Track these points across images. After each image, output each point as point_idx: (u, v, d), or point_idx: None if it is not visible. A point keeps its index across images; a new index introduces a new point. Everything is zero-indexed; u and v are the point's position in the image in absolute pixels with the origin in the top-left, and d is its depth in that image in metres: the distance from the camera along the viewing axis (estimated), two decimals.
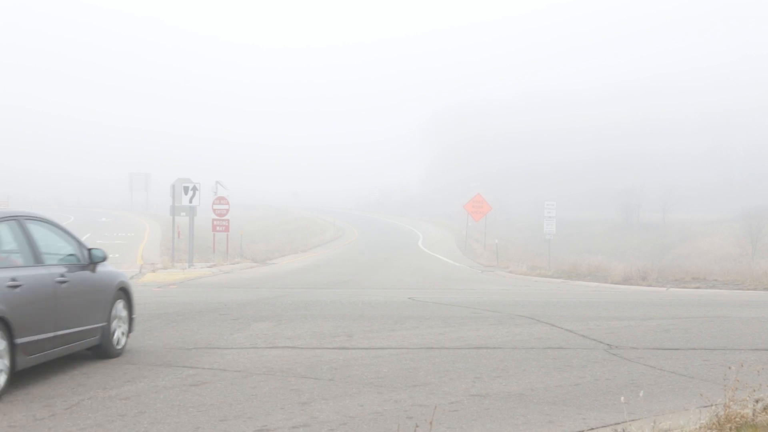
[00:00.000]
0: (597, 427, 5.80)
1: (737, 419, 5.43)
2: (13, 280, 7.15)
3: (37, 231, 8.19)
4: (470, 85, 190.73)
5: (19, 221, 7.96)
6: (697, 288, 24.17)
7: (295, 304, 14.41)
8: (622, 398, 6.25)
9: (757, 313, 13.78)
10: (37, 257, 7.84)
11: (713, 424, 5.42)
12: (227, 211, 38.04)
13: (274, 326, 10.88)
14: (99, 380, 7.20)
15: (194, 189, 34.42)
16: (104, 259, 8.92)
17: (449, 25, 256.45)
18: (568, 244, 67.01)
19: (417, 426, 5.47)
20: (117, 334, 8.84)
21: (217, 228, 38.27)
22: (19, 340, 6.91)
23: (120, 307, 9.05)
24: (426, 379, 7.33)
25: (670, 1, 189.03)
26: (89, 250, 8.78)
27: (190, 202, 34.35)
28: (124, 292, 9.20)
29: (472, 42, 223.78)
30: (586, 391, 6.98)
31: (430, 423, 5.36)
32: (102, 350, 8.63)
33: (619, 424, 5.64)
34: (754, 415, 5.58)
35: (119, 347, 8.81)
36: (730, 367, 7.34)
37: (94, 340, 8.43)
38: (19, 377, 7.22)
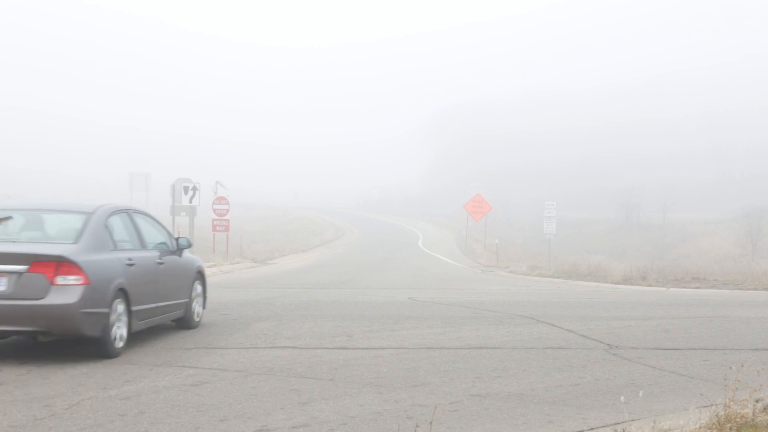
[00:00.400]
0: (597, 427, 5.80)
1: (737, 419, 5.43)
2: (129, 260, 9.21)
3: (140, 221, 10.23)
4: (470, 85, 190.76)
5: (128, 213, 10.11)
6: (697, 288, 24.17)
7: (295, 304, 14.41)
8: (622, 398, 6.25)
9: (757, 313, 13.78)
10: (142, 243, 9.91)
11: (713, 424, 5.42)
12: (227, 211, 38.04)
13: (274, 326, 10.88)
14: (99, 380, 7.20)
15: (194, 189, 34.41)
16: (189, 246, 10.92)
17: (449, 25, 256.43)
18: (568, 244, 67.00)
19: (417, 426, 5.47)
20: (196, 309, 11.00)
21: (217, 228, 38.27)
22: (134, 308, 9.02)
23: (198, 286, 11.20)
24: (426, 379, 7.33)
25: (669, 1, 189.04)
26: (177, 239, 10.80)
27: (190, 202, 34.35)
28: (200, 275, 11.44)
29: (471, 42, 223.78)
30: (586, 391, 6.98)
31: (431, 423, 5.36)
32: (185, 322, 10.65)
33: (619, 424, 5.64)
34: (754, 415, 5.58)
35: (197, 320, 10.96)
36: (731, 367, 7.34)
37: (180, 312, 10.48)
38: (19, 377, 7.23)
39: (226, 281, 25.10)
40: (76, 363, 7.96)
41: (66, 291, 8.24)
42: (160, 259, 9.98)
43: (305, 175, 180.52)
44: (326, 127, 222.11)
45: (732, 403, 5.59)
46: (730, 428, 5.36)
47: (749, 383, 6.42)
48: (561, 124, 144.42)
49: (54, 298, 8.18)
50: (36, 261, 8.29)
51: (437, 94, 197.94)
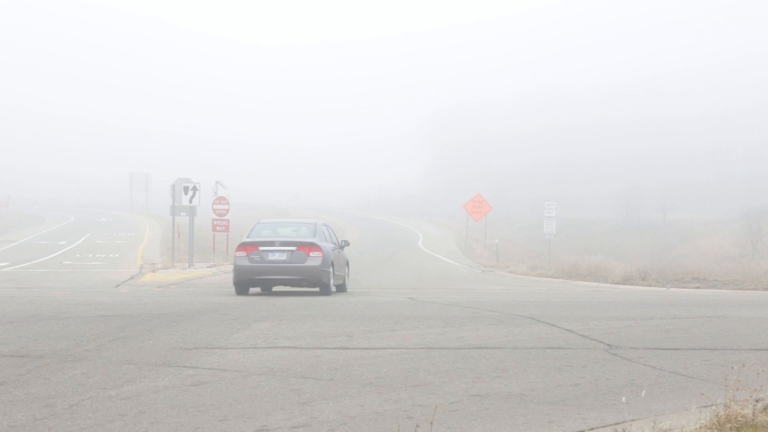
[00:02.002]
0: (597, 427, 5.79)
1: (738, 419, 5.43)
2: (332, 247, 18.51)
3: (329, 229, 19.88)
4: (470, 85, 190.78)
5: (326, 225, 19.63)
6: (697, 288, 24.18)
7: (295, 304, 14.41)
8: (623, 398, 6.24)
9: (757, 313, 13.79)
10: (332, 240, 19.24)
11: (713, 424, 5.42)
12: (227, 211, 38.00)
13: (274, 326, 10.88)
14: (99, 380, 7.20)
15: (194, 189, 34.38)
16: (347, 245, 20.93)
17: (449, 24, 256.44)
18: (568, 244, 67.04)
19: (417, 426, 5.46)
20: (346, 282, 20.03)
21: (217, 228, 38.25)
22: (335, 272, 18.18)
23: (347, 269, 20.35)
24: (426, 379, 7.33)
25: (669, 1, 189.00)
26: (342, 241, 20.75)
27: (190, 202, 34.32)
28: (348, 263, 20.77)
29: (471, 41, 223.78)
30: (586, 391, 6.98)
31: (431, 423, 5.36)
32: (342, 288, 19.38)
33: (619, 424, 5.64)
34: (754, 415, 5.58)
35: (347, 288, 20.03)
36: (731, 367, 7.33)
37: (341, 281, 19.26)
38: (19, 377, 7.23)
39: (227, 281, 25.09)
40: (76, 363, 7.96)
41: (314, 259, 17.61)
42: (335, 250, 18.81)
43: (305, 174, 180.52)
44: (326, 127, 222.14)
45: (732, 403, 5.59)
46: (731, 428, 5.36)
47: (749, 383, 6.42)
48: (561, 124, 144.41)
49: (309, 263, 17.59)
50: (300, 245, 17.74)
51: (437, 93, 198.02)
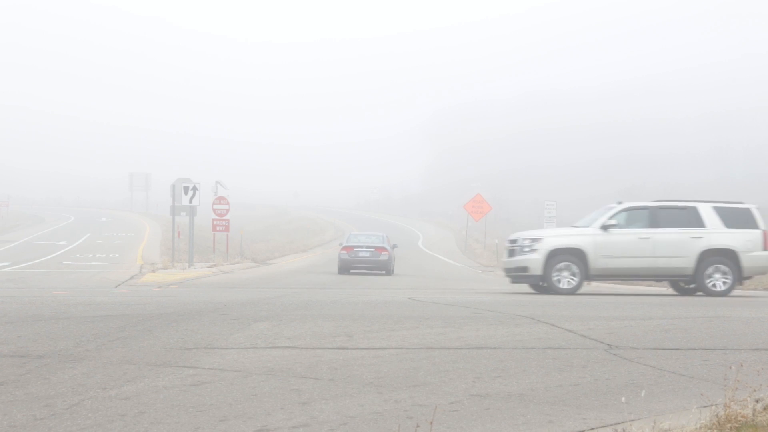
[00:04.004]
0: (597, 427, 5.80)
1: (737, 419, 5.43)
2: (391, 248, 34.00)
3: (388, 237, 35.59)
4: (470, 85, 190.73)
5: (386, 236, 35.28)
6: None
7: (295, 304, 14.41)
8: (623, 398, 6.25)
9: (757, 313, 13.79)
10: (390, 245, 34.02)
11: (713, 423, 5.42)
12: (227, 211, 38.01)
13: (274, 326, 10.87)
14: (99, 380, 7.20)
15: (194, 189, 34.38)
16: (396, 247, 35.73)
17: (449, 23, 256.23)
18: None
19: (417, 426, 5.47)
20: (394, 269, 33.68)
21: (217, 228, 38.25)
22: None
23: (395, 261, 34.59)
24: (426, 379, 7.33)
25: (669, 1, 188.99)
26: (394, 244, 35.27)
27: (190, 202, 34.32)
28: (395, 256, 34.55)
29: (471, 41, 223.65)
30: (586, 391, 6.98)
31: (431, 423, 5.36)
32: (392, 272, 33.18)
33: (619, 423, 5.64)
34: (754, 415, 5.58)
35: (396, 272, 33.81)
36: (731, 367, 7.33)
37: (393, 269, 33.48)
38: (19, 377, 7.23)
39: (226, 281, 25.11)
40: (75, 363, 7.96)
41: (384, 256, 32.29)
42: (393, 250, 33.97)
43: (305, 174, 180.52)
44: (326, 126, 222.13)
45: (732, 403, 5.59)
46: (730, 428, 5.36)
47: (749, 383, 6.42)
48: (561, 124, 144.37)
49: (381, 258, 32.32)
50: (376, 248, 32.48)
51: (437, 93, 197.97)
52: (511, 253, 20.09)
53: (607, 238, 19.27)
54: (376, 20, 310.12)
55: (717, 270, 19.26)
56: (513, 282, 20.50)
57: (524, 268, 19.40)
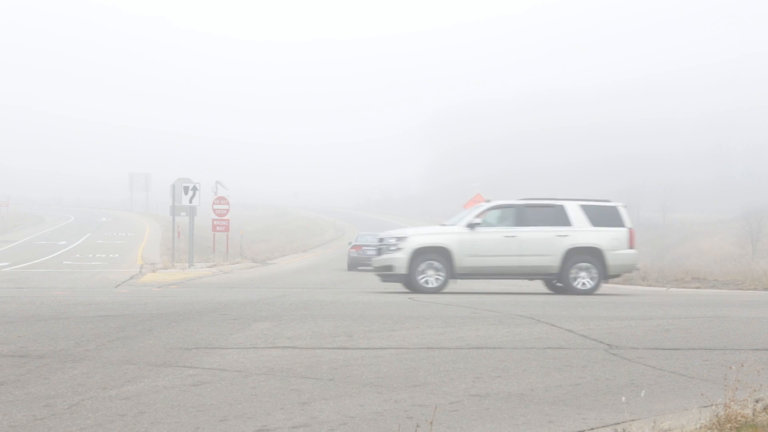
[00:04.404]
0: (597, 427, 5.79)
1: (737, 419, 5.43)
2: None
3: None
4: (470, 85, 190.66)
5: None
6: (697, 288, 24.18)
7: (295, 304, 14.41)
8: (623, 398, 6.24)
9: (757, 313, 13.78)
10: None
11: (713, 423, 5.42)
12: (227, 211, 37.99)
13: (274, 326, 10.87)
14: (99, 380, 7.19)
15: (194, 189, 34.38)
16: None
17: (449, 23, 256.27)
18: None
19: (417, 426, 5.46)
20: None
21: (217, 228, 38.22)
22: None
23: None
24: (426, 379, 7.33)
25: (669, 1, 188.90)
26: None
27: (190, 202, 34.31)
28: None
29: (471, 40, 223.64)
30: (586, 391, 6.98)
31: (431, 423, 5.36)
32: None
33: (619, 424, 5.64)
34: (754, 415, 5.58)
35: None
36: (731, 367, 7.33)
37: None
38: (19, 377, 7.23)
39: (227, 281, 25.11)
40: (75, 363, 7.96)
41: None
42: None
43: (305, 174, 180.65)
44: (326, 126, 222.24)
45: (732, 403, 5.59)
46: (730, 428, 5.36)
47: (749, 383, 6.42)
48: (561, 124, 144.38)
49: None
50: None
51: (437, 93, 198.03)
52: (379, 251, 20.08)
53: (472, 236, 19.22)
54: (376, 20, 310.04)
55: (582, 268, 19.20)
56: (383, 281, 20.44)
57: (389, 267, 19.33)
